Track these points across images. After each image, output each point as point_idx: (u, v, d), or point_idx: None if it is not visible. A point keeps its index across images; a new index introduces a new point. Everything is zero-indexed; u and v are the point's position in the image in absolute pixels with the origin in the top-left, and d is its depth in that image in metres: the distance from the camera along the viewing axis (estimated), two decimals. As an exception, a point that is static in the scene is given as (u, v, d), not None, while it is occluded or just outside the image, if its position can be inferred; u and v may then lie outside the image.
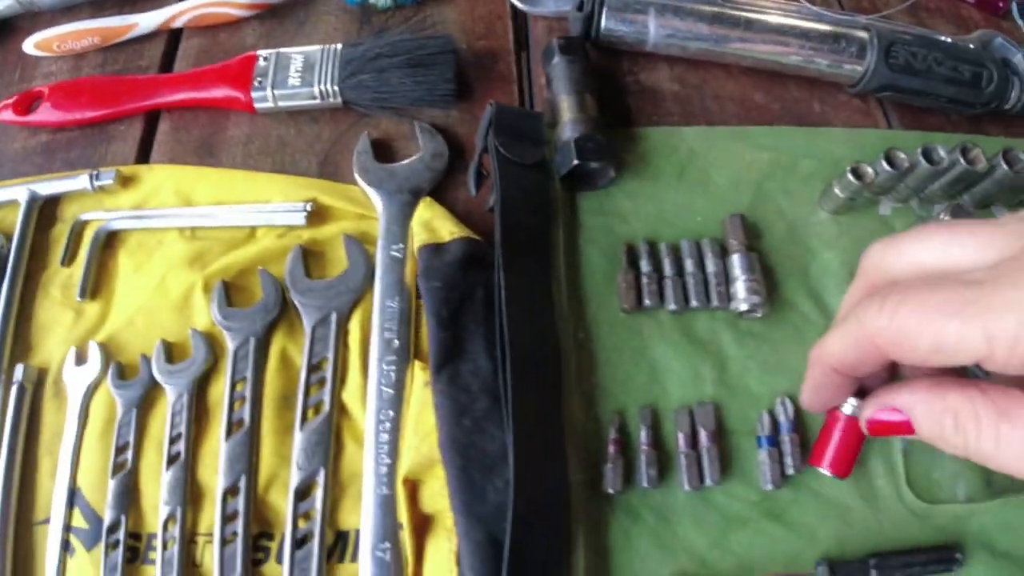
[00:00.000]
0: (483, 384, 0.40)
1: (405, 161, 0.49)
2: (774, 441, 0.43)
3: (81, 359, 0.46)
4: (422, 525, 0.41)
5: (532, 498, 0.38)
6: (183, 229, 0.48)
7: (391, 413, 0.42)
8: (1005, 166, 0.50)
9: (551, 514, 0.38)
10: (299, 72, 0.50)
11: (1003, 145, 0.50)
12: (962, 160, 0.49)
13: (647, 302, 0.45)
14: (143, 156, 0.52)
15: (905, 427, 0.27)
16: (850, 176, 0.47)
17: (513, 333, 0.40)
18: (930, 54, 0.51)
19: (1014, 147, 0.51)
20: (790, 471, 0.42)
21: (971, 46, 0.57)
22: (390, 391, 0.43)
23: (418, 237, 0.45)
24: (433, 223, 0.45)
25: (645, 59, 0.54)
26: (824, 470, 0.42)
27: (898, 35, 0.52)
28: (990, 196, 0.52)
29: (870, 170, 0.47)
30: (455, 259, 0.43)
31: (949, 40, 0.54)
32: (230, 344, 0.45)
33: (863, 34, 0.52)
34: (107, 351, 0.46)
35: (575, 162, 0.45)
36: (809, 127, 0.53)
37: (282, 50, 0.51)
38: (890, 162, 0.47)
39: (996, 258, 0.24)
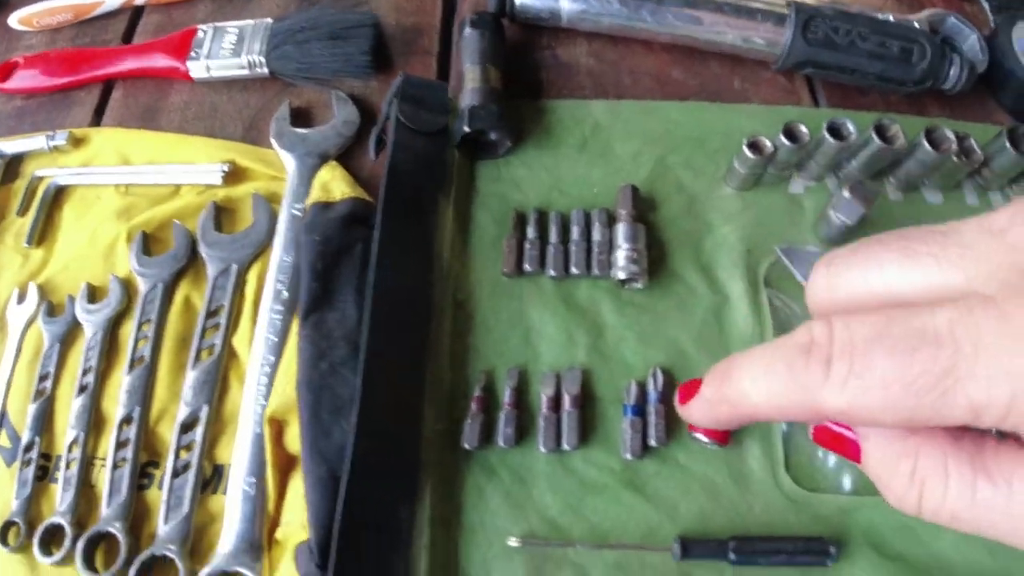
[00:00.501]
0: (346, 333, 0.41)
1: (318, 127, 0.50)
2: (639, 411, 0.42)
3: (23, 298, 0.50)
4: (286, 464, 0.42)
5: (374, 440, 0.38)
6: (118, 186, 0.52)
7: (271, 358, 0.44)
8: (928, 146, 0.46)
9: (394, 458, 0.39)
10: (232, 44, 0.53)
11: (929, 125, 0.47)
12: (876, 137, 0.46)
13: (527, 267, 0.45)
14: (97, 120, 0.56)
15: (852, 450, 0.22)
16: (747, 150, 0.45)
17: (378, 285, 0.41)
18: (853, 29, 0.48)
19: (940, 126, 0.47)
20: (652, 442, 0.41)
21: (916, 24, 0.53)
22: (273, 338, 0.44)
23: (312, 195, 0.46)
24: (330, 184, 0.46)
25: (565, 34, 0.54)
26: (700, 436, 0.40)
27: (818, 9, 0.49)
28: (916, 178, 0.49)
29: (768, 144, 0.45)
30: (339, 216, 0.44)
31: (879, 16, 0.50)
32: (142, 288, 0.48)
33: (782, 9, 0.49)
34: (43, 292, 0.50)
35: (465, 129, 0.45)
36: (725, 103, 0.51)
37: (219, 24, 0.54)
38: (790, 136, 0.45)
39: (963, 285, 0.19)
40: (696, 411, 0.24)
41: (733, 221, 0.47)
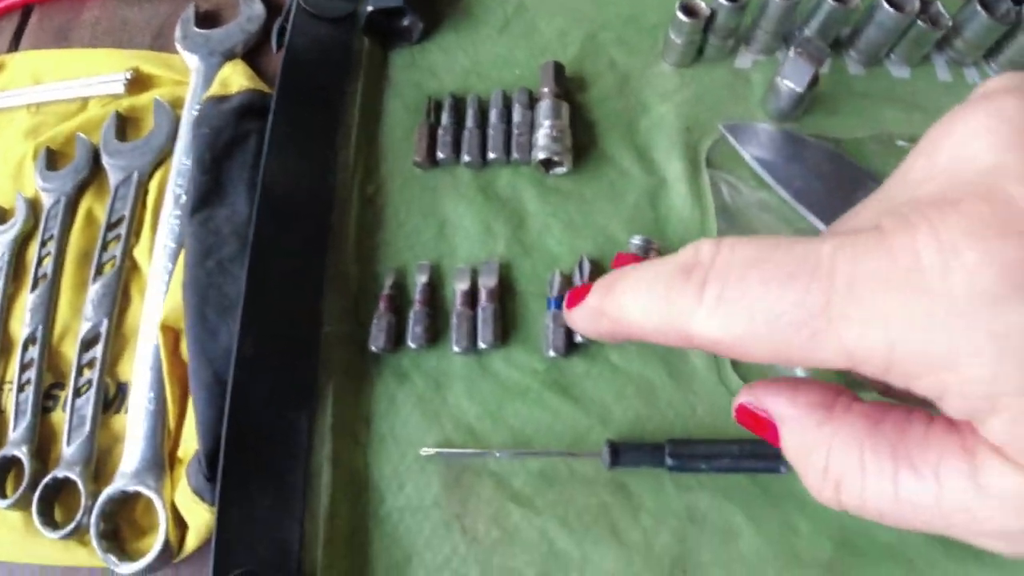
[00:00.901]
0: (235, 228, 0.35)
1: (223, 26, 0.45)
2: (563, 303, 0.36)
3: (-68, 225, 0.46)
4: (185, 376, 0.37)
5: (265, 339, 0.33)
6: (29, 106, 0.47)
7: (171, 267, 0.39)
8: (887, 6, 0.39)
9: (289, 360, 0.33)
10: (137, -52, 0.47)
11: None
12: (829, -5, 0.38)
13: (440, 154, 0.38)
14: (15, 46, 0.51)
15: (772, 433, 0.19)
16: (680, 14, 0.38)
17: (268, 173, 0.35)
18: None
19: (904, -17, 0.39)
20: (578, 338, 0.35)
21: None
22: (173, 245, 0.39)
23: (210, 91, 0.40)
24: (229, 79, 0.40)
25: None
26: None
27: None
28: (878, 47, 0.41)
29: (703, 5, 0.38)
30: (233, 108, 0.38)
31: None
32: (46, 204, 0.43)
33: None
34: (-46, 218, 0.46)
35: (369, 8, 0.39)
36: (664, -25, 0.44)
37: (124, -71, 0.48)
38: (728, -7, 0.38)
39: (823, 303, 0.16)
40: (579, 320, 0.22)
41: (671, 99, 0.40)
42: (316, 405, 0.34)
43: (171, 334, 0.37)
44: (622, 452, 0.33)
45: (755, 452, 0.33)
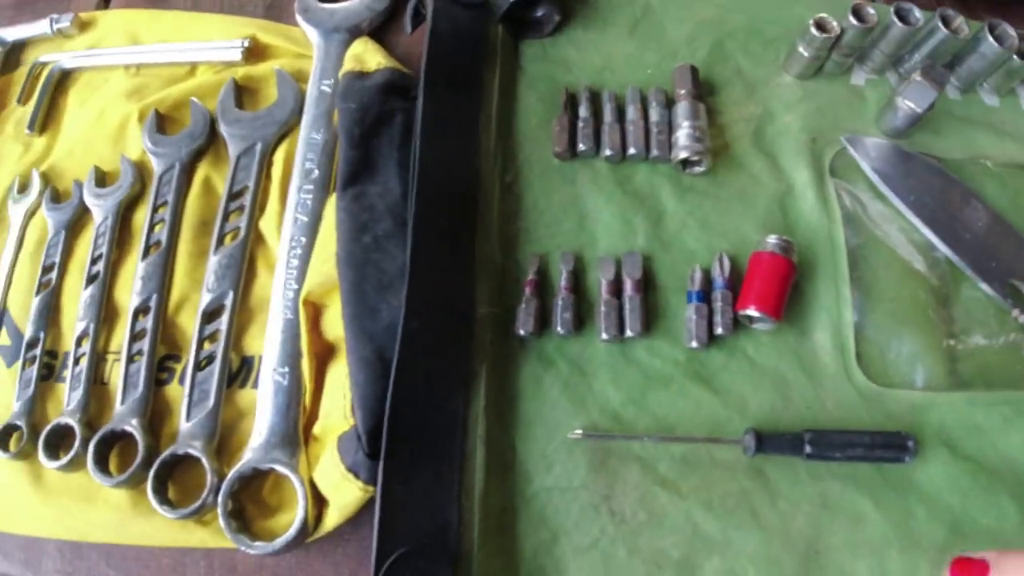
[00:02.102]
0: (390, 205, 0.35)
1: (346, 2, 0.44)
2: (704, 297, 0.37)
3: (23, 187, 0.44)
4: (324, 352, 0.37)
5: (426, 319, 0.33)
6: (128, 67, 0.45)
7: (303, 240, 0.38)
8: (992, 40, 0.42)
9: (447, 339, 0.34)
10: (251, -86, 0.46)
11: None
12: (941, 26, 0.41)
13: (581, 146, 0.39)
14: (105, 4, 0.49)
15: None
16: (813, 29, 0.40)
17: (424, 159, 0.35)
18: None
19: (1002, 23, 0.43)
20: (719, 330, 0.37)
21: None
22: (305, 219, 0.39)
23: (345, 66, 0.40)
24: (364, 56, 0.40)
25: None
26: (751, 311, 0.36)
27: None
28: (977, 75, 0.44)
29: (835, 23, 0.40)
30: (376, 84, 0.38)
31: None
32: (156, 170, 0.41)
33: None
34: (47, 179, 0.43)
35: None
36: (783, -9, 0.46)
37: None
38: (858, 16, 0.40)
39: None
40: None
41: (795, 110, 0.42)
42: (471, 386, 0.34)
43: (312, 309, 0.36)
44: (765, 440, 0.35)
45: (885, 443, 0.35)
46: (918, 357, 0.38)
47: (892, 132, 0.42)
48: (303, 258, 0.38)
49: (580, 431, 0.35)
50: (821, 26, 0.41)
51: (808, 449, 0.35)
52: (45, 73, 0.46)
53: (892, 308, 0.39)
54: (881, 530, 0.35)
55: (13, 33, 0.48)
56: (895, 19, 0.41)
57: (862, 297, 0.39)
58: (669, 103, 0.41)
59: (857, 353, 0.38)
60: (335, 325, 0.36)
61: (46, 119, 0.45)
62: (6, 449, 0.38)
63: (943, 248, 0.40)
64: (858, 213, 0.40)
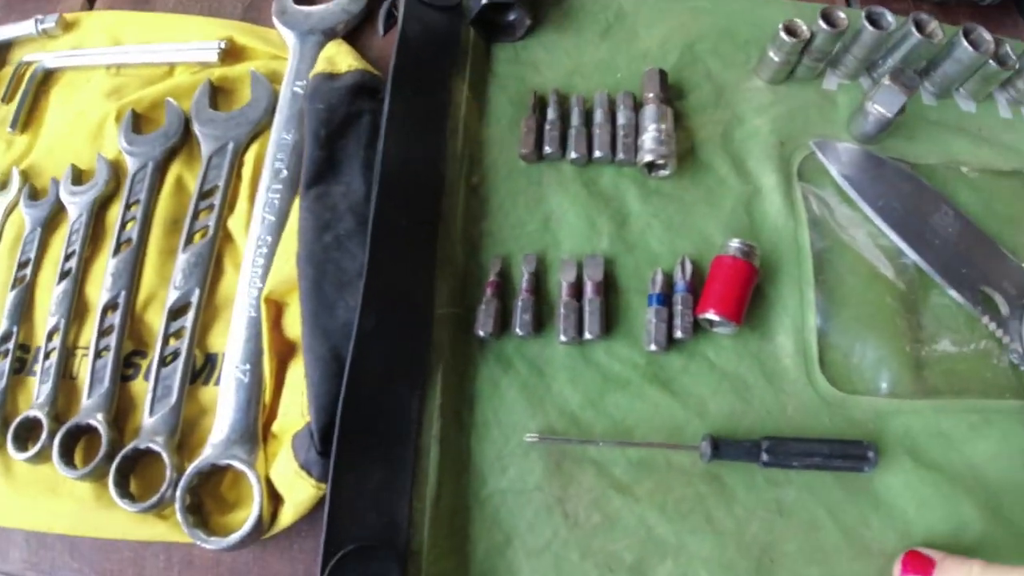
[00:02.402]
0: (352, 205, 0.36)
1: (323, 4, 0.45)
2: (665, 300, 0.37)
3: (3, 184, 0.45)
4: (285, 350, 0.37)
5: (382, 317, 0.34)
6: (109, 67, 0.46)
7: (269, 239, 0.39)
8: (967, 44, 0.42)
9: (403, 338, 0.34)
10: (232, -81, 0.47)
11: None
12: (915, 31, 0.41)
13: (547, 148, 0.40)
14: (89, 6, 0.50)
15: None
16: (783, 33, 0.40)
17: (387, 154, 0.36)
18: (894, -81, 0.44)
19: (978, 27, 0.43)
20: (679, 334, 0.37)
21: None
22: (272, 218, 0.39)
23: (316, 68, 0.41)
24: (335, 58, 0.41)
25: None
26: (710, 314, 0.36)
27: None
28: (952, 80, 0.44)
29: (804, 27, 0.40)
30: (345, 86, 0.39)
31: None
32: (131, 168, 0.42)
33: None
34: (26, 176, 0.44)
35: (484, 1, 0.40)
36: (756, -5, 0.46)
37: (218, -103, 0.48)
38: (828, 20, 0.40)
39: None
40: None
41: (765, 113, 0.42)
42: (427, 385, 0.35)
43: (274, 307, 0.37)
44: (722, 446, 0.35)
45: (843, 453, 0.35)
46: (883, 363, 0.38)
47: (863, 137, 0.42)
48: (268, 257, 0.38)
49: (536, 434, 0.35)
50: (791, 30, 0.41)
51: (765, 457, 0.35)
52: (29, 72, 0.48)
53: (857, 313, 0.39)
54: (834, 538, 0.35)
55: (-1, 33, 0.50)
56: (866, 23, 0.41)
57: (826, 301, 0.39)
58: (637, 106, 0.41)
59: (820, 358, 0.38)
60: (296, 324, 0.36)
61: (28, 118, 0.47)
62: (-23, 441, 0.39)
63: (911, 254, 0.40)
64: (825, 217, 0.41)
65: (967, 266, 0.40)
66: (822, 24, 0.40)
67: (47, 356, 0.40)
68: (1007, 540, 0.35)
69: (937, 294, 0.40)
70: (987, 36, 0.43)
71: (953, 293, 0.40)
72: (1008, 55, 0.44)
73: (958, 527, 0.35)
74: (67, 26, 0.49)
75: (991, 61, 0.43)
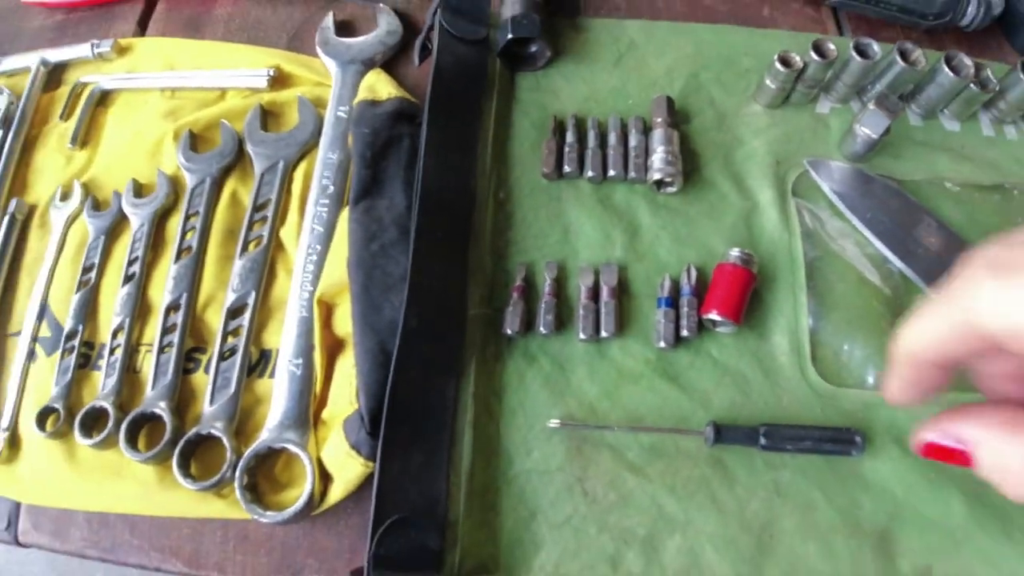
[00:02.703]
0: (395, 218, 0.41)
1: (363, 36, 0.51)
2: (672, 303, 0.42)
3: (66, 196, 0.50)
4: (334, 346, 0.42)
5: (423, 317, 0.39)
6: (164, 90, 0.52)
7: (318, 247, 0.44)
8: (948, 70, 0.47)
9: (441, 335, 0.39)
10: (278, -43, 0.53)
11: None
12: (899, 59, 0.47)
13: (566, 168, 0.45)
14: (140, 33, 0.55)
15: (962, 458, 0.23)
16: (777, 64, 0.46)
17: (426, 174, 0.41)
18: (879, -41, 0.49)
19: (959, 54, 0.48)
20: (685, 333, 0.42)
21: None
22: (320, 229, 0.44)
23: (359, 96, 0.46)
24: (376, 86, 0.47)
25: (602, -41, 0.54)
26: (713, 315, 0.41)
27: (848, -61, 0.50)
28: (935, 104, 0.50)
29: (797, 58, 0.46)
30: (387, 112, 0.44)
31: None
32: (189, 183, 0.47)
33: (813, -62, 0.51)
34: (88, 189, 0.50)
35: (509, 36, 0.46)
36: (754, 28, 0.52)
37: (265, -63, 0.54)
38: (819, 51, 0.46)
39: None
40: (890, 383, 0.27)
41: (762, 136, 0.48)
42: (461, 376, 0.40)
43: (324, 308, 0.42)
44: (724, 432, 0.39)
45: (833, 438, 0.40)
46: (870, 359, 0.43)
47: (852, 156, 0.48)
48: (318, 263, 0.43)
49: (558, 420, 0.40)
50: (785, 61, 0.46)
51: (763, 441, 0.40)
52: (86, 92, 0.53)
53: (846, 315, 0.44)
54: (828, 517, 0.39)
55: (56, 55, 0.55)
56: (854, 54, 0.47)
57: (817, 304, 0.44)
58: (647, 130, 0.46)
59: (812, 355, 0.43)
60: (344, 322, 0.41)
61: (87, 134, 0.52)
62: (43, 429, 0.43)
63: (896, 261, 0.45)
64: (817, 229, 0.46)
65: (949, 272, 0.45)
66: (813, 55, 0.45)
67: (112, 352, 0.44)
68: (991, 522, 0.40)
69: (921, 297, 0.45)
70: (967, 62, 0.48)
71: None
72: (989, 79, 0.49)
73: (944, 509, 0.40)
74: (121, 50, 0.54)
75: (972, 85, 0.48)
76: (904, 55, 0.47)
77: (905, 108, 0.51)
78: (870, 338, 0.43)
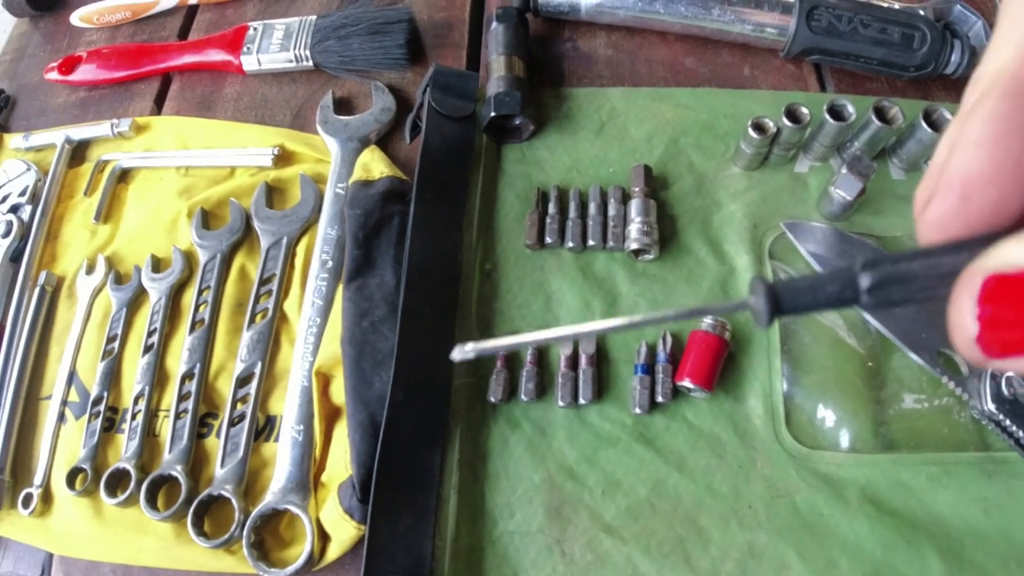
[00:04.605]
0: (385, 295, 0.48)
1: (359, 115, 0.58)
2: (648, 370, 0.48)
3: (91, 269, 0.59)
4: (332, 414, 0.49)
5: (409, 391, 0.45)
6: (178, 167, 0.60)
7: (318, 320, 0.51)
8: (926, 126, 0.52)
9: (427, 406, 0.45)
10: (280, 40, 0.61)
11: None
12: (875, 119, 0.51)
13: (548, 239, 0.51)
14: (157, 110, 0.64)
15: None
16: (751, 131, 0.51)
17: (413, 252, 0.48)
18: (856, 16, 0.54)
19: (939, 108, 0.52)
20: (660, 399, 0.47)
21: (921, 12, 0.58)
22: (320, 302, 0.52)
23: (355, 175, 0.53)
24: (370, 165, 0.54)
25: (586, 27, 0.60)
26: (686, 383, 0.46)
27: (824, -1, 0.55)
28: (917, 157, 0.54)
29: (771, 124, 0.51)
30: (378, 192, 0.51)
31: (883, 4, 0.56)
32: (201, 259, 0.55)
33: (789, -1, 0.56)
34: (111, 262, 0.58)
35: (492, 113, 0.52)
36: (734, 89, 0.57)
37: (268, 21, 0.62)
38: (792, 117, 0.51)
39: None
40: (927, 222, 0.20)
41: (740, 199, 0.53)
42: (447, 444, 0.46)
43: (323, 378, 0.49)
44: (783, 295, 0.21)
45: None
46: (844, 421, 0.47)
47: (831, 216, 0.52)
48: (317, 335, 0.50)
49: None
50: (759, 127, 0.51)
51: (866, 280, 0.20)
52: (108, 170, 0.61)
53: (820, 378, 0.48)
54: (804, 577, 0.44)
55: (79, 133, 0.64)
56: (828, 117, 0.51)
57: (792, 368, 0.49)
58: (625, 198, 0.52)
59: (787, 418, 0.47)
60: (340, 392, 0.48)
61: (109, 210, 0.60)
62: (72, 488, 0.51)
63: (873, 322, 0.49)
64: (794, 293, 0.50)
65: (927, 331, 0.50)
66: (786, 121, 0.50)
67: (134, 417, 0.52)
68: (971, 580, 0.44)
69: (899, 356, 0.49)
70: (947, 116, 0.52)
71: (914, 356, 0.49)
72: (971, 133, 0.53)
73: (923, 568, 0.44)
74: (139, 129, 0.63)
75: (952, 141, 0.52)
76: (880, 114, 0.51)
77: (886, 162, 0.55)
78: (844, 400, 0.48)
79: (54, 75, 0.65)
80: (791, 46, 0.55)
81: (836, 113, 0.52)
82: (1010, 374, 0.47)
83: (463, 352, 0.22)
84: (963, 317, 0.17)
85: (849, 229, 0.52)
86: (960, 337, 0.17)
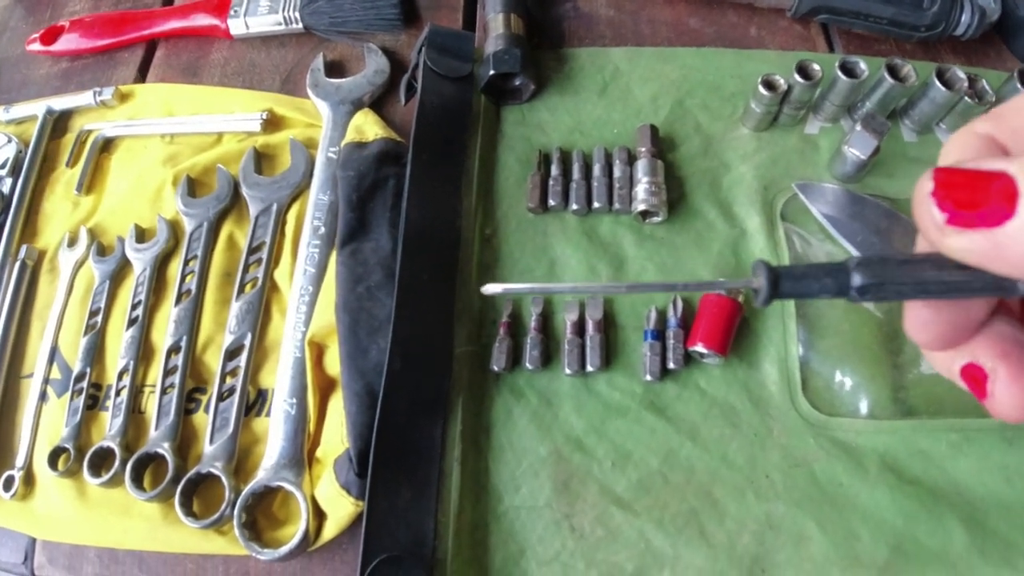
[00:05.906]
0: (381, 260, 0.44)
1: (351, 77, 0.54)
2: (658, 335, 0.44)
3: (73, 242, 0.54)
4: (326, 386, 0.45)
5: (408, 359, 0.41)
6: (163, 135, 0.55)
7: (311, 288, 0.47)
8: (940, 84, 0.48)
9: (426, 375, 0.41)
10: (268, 2, 0.56)
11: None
12: (888, 76, 0.48)
13: (551, 202, 0.47)
14: (141, 79, 0.59)
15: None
16: (761, 88, 0.47)
17: (410, 216, 0.44)
18: (866, -26, 0.50)
19: (952, 67, 0.49)
20: (672, 365, 0.43)
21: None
22: (312, 270, 0.47)
23: (347, 137, 0.49)
24: (363, 127, 0.49)
25: (586, -13, 0.56)
26: (699, 347, 0.43)
27: (833, -44, 0.51)
28: (929, 118, 0.50)
29: (782, 81, 0.47)
30: (372, 154, 0.47)
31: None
32: (187, 227, 0.51)
33: (797, -44, 0.52)
34: (93, 234, 0.54)
35: (491, 72, 0.48)
36: (740, 49, 0.53)
37: (255, -18, 0.58)
38: (803, 74, 0.47)
39: None
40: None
41: (749, 160, 0.49)
42: (448, 415, 0.42)
43: (316, 349, 0.45)
44: (783, 279, 0.21)
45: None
46: (862, 387, 0.44)
47: (843, 177, 0.49)
48: (310, 304, 0.46)
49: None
50: (769, 84, 0.48)
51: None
52: (90, 140, 0.57)
53: (837, 342, 0.45)
54: (824, 550, 0.41)
55: (61, 103, 0.59)
56: (840, 73, 0.48)
57: (808, 332, 0.45)
58: (631, 160, 0.48)
59: (803, 384, 0.44)
60: (335, 363, 0.44)
61: (92, 181, 0.56)
62: (55, 468, 0.47)
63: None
64: (807, 254, 0.47)
65: (944, 295, 0.46)
66: (798, 77, 0.47)
67: (118, 393, 0.48)
68: (994, 549, 0.40)
69: (916, 322, 0.46)
70: (960, 75, 0.49)
71: (931, 321, 0.46)
72: (985, 90, 0.50)
73: (944, 540, 0.41)
74: (123, 97, 0.58)
75: (967, 97, 0.49)
76: (893, 71, 0.48)
77: (898, 124, 0.52)
78: (862, 365, 0.44)
79: (36, 46, 0.61)
80: (799, 5, 0.52)
81: (848, 70, 0.48)
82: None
83: (493, 288, 0.23)
84: (922, 183, 0.19)
85: (862, 191, 0.49)
86: (919, 195, 0.19)
